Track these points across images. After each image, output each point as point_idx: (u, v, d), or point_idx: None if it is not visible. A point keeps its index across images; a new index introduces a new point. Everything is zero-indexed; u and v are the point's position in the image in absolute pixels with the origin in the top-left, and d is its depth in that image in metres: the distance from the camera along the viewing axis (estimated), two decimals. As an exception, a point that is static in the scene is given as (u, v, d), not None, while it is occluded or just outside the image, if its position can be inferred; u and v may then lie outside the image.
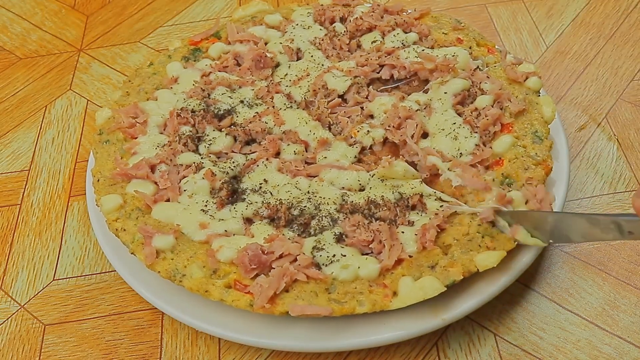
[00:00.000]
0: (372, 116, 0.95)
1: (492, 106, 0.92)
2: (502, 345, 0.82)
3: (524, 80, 0.96)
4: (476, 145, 0.88)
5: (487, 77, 0.96)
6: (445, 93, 0.94)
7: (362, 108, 0.96)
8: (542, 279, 0.88)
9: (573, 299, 0.86)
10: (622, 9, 1.28)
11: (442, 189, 0.86)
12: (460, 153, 0.88)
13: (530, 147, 0.88)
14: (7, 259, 0.96)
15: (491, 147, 0.88)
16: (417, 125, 0.90)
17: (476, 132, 0.89)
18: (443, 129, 0.90)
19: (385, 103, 0.95)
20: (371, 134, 0.91)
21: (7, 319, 0.89)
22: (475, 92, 0.95)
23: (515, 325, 0.84)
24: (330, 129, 0.95)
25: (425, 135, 0.91)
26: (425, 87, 0.97)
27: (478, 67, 0.98)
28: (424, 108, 0.94)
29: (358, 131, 0.92)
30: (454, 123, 0.91)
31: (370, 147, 0.92)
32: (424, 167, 0.88)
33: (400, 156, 0.90)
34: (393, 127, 0.91)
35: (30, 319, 0.89)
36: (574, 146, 1.04)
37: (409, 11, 1.12)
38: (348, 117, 0.95)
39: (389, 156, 0.89)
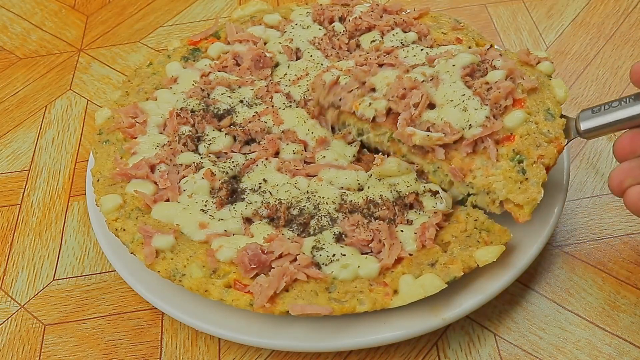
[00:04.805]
0: (374, 89, 0.92)
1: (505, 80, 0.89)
2: (502, 345, 0.82)
3: (536, 64, 0.93)
4: (486, 117, 0.84)
5: (500, 55, 0.93)
6: (453, 65, 0.91)
7: (363, 83, 0.93)
8: (542, 279, 0.88)
9: (573, 299, 0.86)
10: (622, 9, 1.28)
11: (451, 161, 0.84)
12: (470, 125, 0.84)
13: (543, 124, 0.84)
14: (7, 259, 0.96)
15: (502, 121, 0.85)
16: (422, 95, 0.87)
17: (486, 105, 0.86)
18: (451, 100, 0.87)
19: (389, 76, 0.92)
20: (373, 105, 0.89)
21: (7, 319, 0.89)
22: (486, 67, 0.91)
23: (515, 325, 0.84)
24: (333, 104, 0.92)
25: (432, 106, 0.88)
26: (433, 63, 0.94)
27: (492, 45, 0.96)
28: (430, 80, 0.90)
29: (360, 104, 0.90)
30: (463, 94, 0.87)
31: (374, 120, 0.89)
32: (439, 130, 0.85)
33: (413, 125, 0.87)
34: (397, 97, 0.88)
35: (30, 319, 0.89)
36: (574, 146, 1.04)
37: (408, 11, 1.12)
38: (349, 92, 0.92)
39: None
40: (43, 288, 0.92)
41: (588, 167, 1.01)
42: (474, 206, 0.85)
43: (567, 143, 0.84)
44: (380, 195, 0.86)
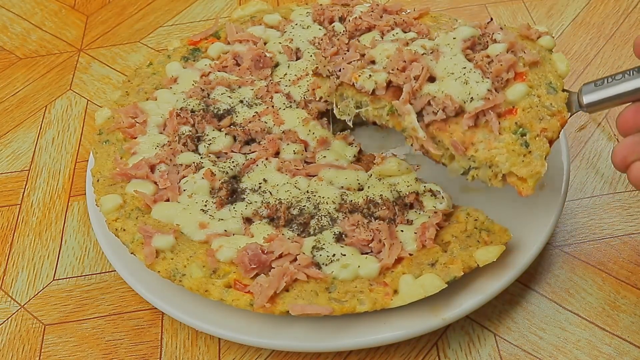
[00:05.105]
0: (373, 62, 0.91)
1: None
2: (502, 345, 0.82)
3: (537, 38, 0.92)
4: (488, 90, 0.83)
5: (501, 28, 0.92)
6: (454, 38, 0.90)
7: (363, 55, 0.92)
8: (542, 279, 0.88)
9: (573, 299, 0.86)
10: (622, 9, 1.28)
11: (452, 135, 0.82)
12: (472, 98, 0.82)
13: (545, 97, 0.83)
14: (7, 259, 0.96)
15: (504, 94, 0.83)
16: (422, 67, 0.85)
17: (488, 78, 0.84)
18: (452, 73, 0.85)
19: (389, 49, 0.90)
20: (373, 77, 0.87)
21: (7, 319, 0.89)
22: (487, 41, 0.90)
23: (515, 325, 0.84)
24: (331, 74, 0.91)
25: (432, 79, 0.86)
26: (434, 36, 0.93)
27: (492, 18, 0.96)
28: (431, 52, 0.89)
29: (359, 76, 0.88)
30: (464, 67, 0.86)
31: (373, 92, 0.87)
32: (438, 105, 0.83)
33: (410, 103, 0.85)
34: (397, 69, 0.86)
35: (30, 319, 0.89)
36: (574, 146, 1.04)
37: (408, 11, 1.12)
38: (349, 64, 0.91)
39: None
40: (43, 288, 0.92)
41: (588, 167, 1.01)
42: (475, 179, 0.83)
43: (570, 116, 0.83)
44: (380, 195, 0.86)
